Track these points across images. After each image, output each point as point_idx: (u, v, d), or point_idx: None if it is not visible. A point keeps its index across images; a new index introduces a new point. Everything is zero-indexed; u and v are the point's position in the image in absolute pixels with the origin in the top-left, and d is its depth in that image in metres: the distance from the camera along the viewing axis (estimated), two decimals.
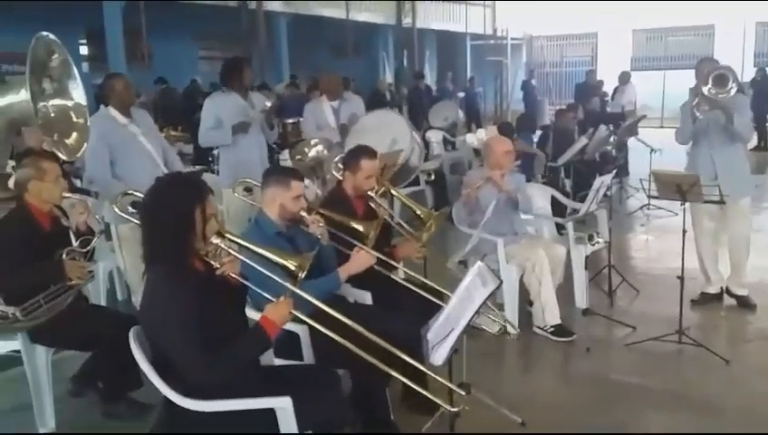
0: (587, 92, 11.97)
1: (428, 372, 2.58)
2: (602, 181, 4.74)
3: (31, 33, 3.63)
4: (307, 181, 4.82)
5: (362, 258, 3.25)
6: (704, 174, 4.62)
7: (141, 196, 3.11)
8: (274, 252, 2.65)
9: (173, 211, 2.37)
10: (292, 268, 2.58)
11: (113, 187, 4.47)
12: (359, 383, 2.98)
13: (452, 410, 2.63)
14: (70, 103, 4.29)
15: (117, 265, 5.10)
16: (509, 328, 4.43)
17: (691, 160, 4.94)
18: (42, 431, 3.40)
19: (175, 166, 4.86)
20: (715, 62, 4.86)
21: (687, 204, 4.34)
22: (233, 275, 2.49)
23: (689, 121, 4.70)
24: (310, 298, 2.75)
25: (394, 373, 2.57)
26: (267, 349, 2.52)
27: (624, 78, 12.53)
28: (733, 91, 4.38)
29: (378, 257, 3.41)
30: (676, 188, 4.23)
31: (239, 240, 2.61)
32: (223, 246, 2.47)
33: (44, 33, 4.03)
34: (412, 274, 3.74)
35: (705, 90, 4.40)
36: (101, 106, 4.74)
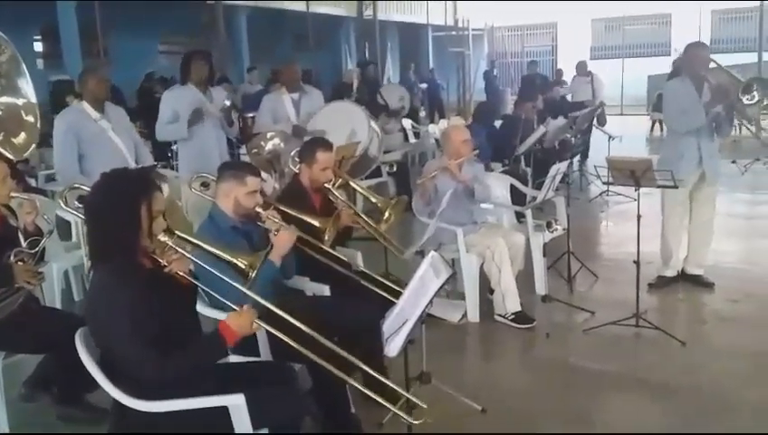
0: (534, 87, 11.33)
1: (382, 379, 2.59)
2: (558, 169, 4.77)
3: None
4: (264, 175, 4.79)
5: (283, 238, 3.17)
6: (688, 159, 4.76)
7: (87, 189, 3.05)
8: (225, 250, 2.60)
9: (118, 208, 2.31)
10: (243, 266, 2.54)
11: (80, 182, 4.39)
12: (318, 378, 2.96)
13: (412, 422, 2.60)
14: (20, 102, 4.19)
15: (73, 265, 5.01)
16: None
17: (673, 146, 4.96)
18: None
19: (147, 163, 4.82)
20: (705, 46, 4.94)
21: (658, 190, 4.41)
22: (181, 274, 2.44)
23: (701, 113, 4.68)
24: (260, 299, 2.71)
25: (347, 379, 2.56)
26: (223, 356, 2.46)
27: (581, 69, 11.87)
28: (756, 96, 4.51)
29: (333, 255, 3.40)
30: (630, 173, 4.29)
31: (188, 237, 2.56)
32: (170, 243, 2.42)
33: None
34: (370, 273, 3.70)
35: (744, 99, 4.51)
36: (75, 100, 4.71)
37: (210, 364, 2.45)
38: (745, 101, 4.54)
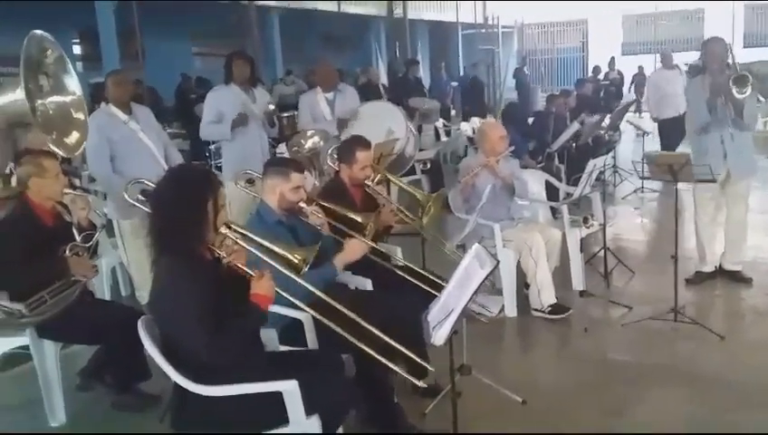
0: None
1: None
2: (594, 165, 4.80)
3: (23, 34, 3.67)
4: (305, 172, 4.88)
5: (356, 247, 3.31)
6: (713, 155, 4.72)
7: (152, 184, 3.18)
8: (280, 245, 2.72)
9: (188, 201, 2.43)
10: (296, 261, 2.66)
11: (115, 182, 4.54)
12: (362, 367, 3.04)
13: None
14: (68, 99, 4.34)
15: (120, 262, 5.17)
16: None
17: (700, 142, 4.95)
18: (53, 425, 3.46)
19: (177, 163, 4.92)
20: (723, 42, 4.91)
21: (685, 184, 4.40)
22: (239, 265, 2.55)
23: (704, 112, 4.70)
24: (312, 288, 2.83)
25: (392, 366, 2.67)
26: (263, 322, 2.58)
27: (667, 61, 10.16)
28: (749, 90, 4.46)
29: (375, 248, 3.48)
30: (668, 168, 4.30)
31: (245, 232, 2.68)
32: (231, 236, 2.54)
33: (37, 32, 4.07)
34: (411, 265, 3.77)
35: (734, 91, 4.47)
36: (102, 103, 4.83)
37: (256, 329, 2.55)
38: (736, 94, 4.46)
